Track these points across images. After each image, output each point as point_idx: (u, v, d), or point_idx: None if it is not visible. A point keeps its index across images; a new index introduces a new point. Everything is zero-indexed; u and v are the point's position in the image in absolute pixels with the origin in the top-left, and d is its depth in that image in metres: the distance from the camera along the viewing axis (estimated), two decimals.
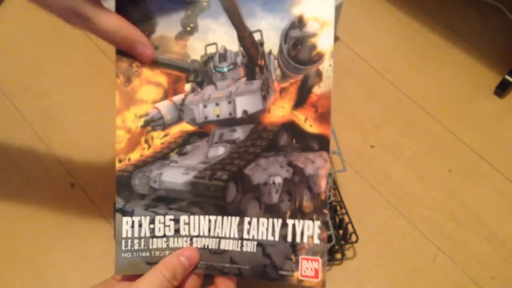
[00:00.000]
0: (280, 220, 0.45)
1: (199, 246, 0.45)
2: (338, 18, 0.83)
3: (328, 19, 0.44)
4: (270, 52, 0.45)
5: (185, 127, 0.46)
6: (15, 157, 0.74)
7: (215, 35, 0.45)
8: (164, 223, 0.45)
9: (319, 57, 0.44)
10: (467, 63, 0.85)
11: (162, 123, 0.46)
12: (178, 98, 0.46)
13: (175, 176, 0.45)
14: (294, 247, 0.44)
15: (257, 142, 0.45)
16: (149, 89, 0.46)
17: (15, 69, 0.82)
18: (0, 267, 0.65)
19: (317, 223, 0.44)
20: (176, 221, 0.45)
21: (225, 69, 0.46)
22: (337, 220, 0.67)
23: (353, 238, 0.64)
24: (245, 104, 0.45)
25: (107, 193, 0.70)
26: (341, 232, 0.66)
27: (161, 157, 0.46)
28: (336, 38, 0.87)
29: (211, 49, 0.45)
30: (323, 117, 0.44)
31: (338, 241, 0.65)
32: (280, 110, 0.45)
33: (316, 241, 0.44)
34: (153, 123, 0.46)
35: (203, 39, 0.45)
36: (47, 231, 0.68)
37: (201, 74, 0.46)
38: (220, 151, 0.46)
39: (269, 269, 0.44)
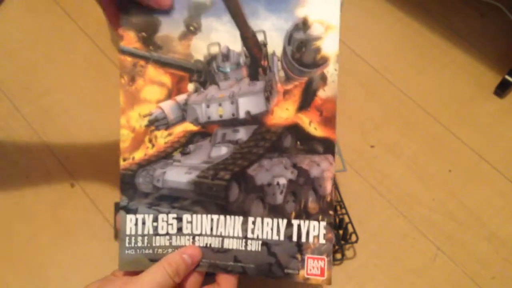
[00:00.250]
0: (285, 220, 0.45)
1: (201, 244, 0.46)
2: None
3: (333, 22, 0.44)
4: (273, 53, 0.45)
5: (188, 126, 0.47)
6: (15, 157, 0.74)
7: (218, 34, 0.45)
8: (167, 221, 0.46)
9: (324, 60, 0.44)
10: (467, 63, 0.85)
11: (166, 123, 0.46)
12: (181, 98, 0.46)
13: (178, 175, 0.46)
14: (300, 247, 0.45)
15: (260, 143, 0.45)
16: (153, 89, 0.46)
17: (15, 69, 0.82)
18: (0, 267, 0.65)
19: (323, 223, 0.45)
20: (179, 219, 0.46)
21: (228, 69, 0.46)
22: (337, 220, 0.67)
23: (353, 238, 0.64)
24: (248, 105, 0.46)
25: (107, 193, 0.70)
26: (341, 232, 0.66)
27: (165, 156, 0.46)
28: None
29: (214, 49, 0.45)
30: (328, 121, 0.44)
31: (338, 241, 0.65)
32: (284, 112, 0.45)
33: (322, 241, 0.45)
34: (157, 122, 0.46)
35: (206, 38, 0.45)
36: (47, 231, 0.68)
37: (204, 74, 0.46)
38: (223, 151, 0.46)
39: (274, 267, 0.45)
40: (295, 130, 0.45)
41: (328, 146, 0.44)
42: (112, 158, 0.75)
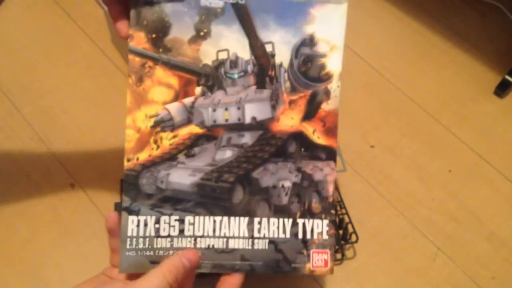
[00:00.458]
0: (290, 220, 0.47)
1: (203, 246, 0.46)
2: None
3: (337, 43, 0.47)
4: (280, 65, 0.47)
5: (194, 129, 0.47)
6: (15, 157, 0.74)
7: (227, 41, 0.46)
8: (169, 223, 0.46)
9: (328, 77, 0.47)
10: (467, 63, 0.85)
11: (172, 124, 0.47)
12: (188, 100, 0.47)
13: (182, 177, 0.46)
14: (305, 243, 0.47)
15: (266, 148, 0.47)
16: (161, 90, 0.46)
17: (15, 69, 0.82)
18: (0, 267, 0.65)
19: (326, 221, 0.48)
20: (181, 221, 0.46)
21: (236, 76, 0.47)
22: (337, 220, 0.67)
23: (353, 238, 0.64)
24: (254, 111, 0.47)
25: (107, 193, 0.70)
26: (341, 232, 0.66)
27: (169, 158, 0.47)
28: None
29: (223, 55, 0.46)
30: (331, 131, 0.48)
31: (338, 241, 0.65)
32: (289, 120, 0.47)
33: (325, 236, 0.48)
34: (163, 124, 0.46)
35: (215, 44, 0.46)
36: (47, 231, 0.68)
37: (212, 78, 0.47)
38: (228, 154, 0.47)
39: (282, 263, 0.47)
40: (299, 137, 0.47)
41: (330, 154, 0.48)
42: (112, 158, 0.75)
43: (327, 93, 0.47)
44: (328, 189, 0.48)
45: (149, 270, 0.43)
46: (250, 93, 0.47)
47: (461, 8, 0.91)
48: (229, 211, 0.46)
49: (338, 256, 0.66)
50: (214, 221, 0.46)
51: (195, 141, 0.47)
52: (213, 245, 0.46)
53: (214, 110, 0.47)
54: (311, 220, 0.47)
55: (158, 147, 0.46)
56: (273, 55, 0.46)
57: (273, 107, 0.47)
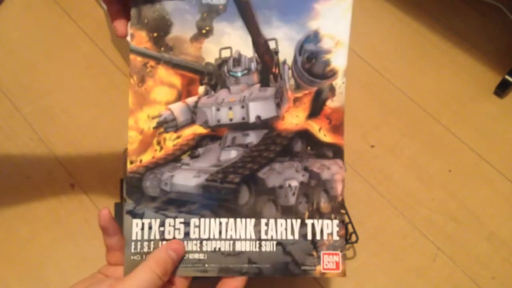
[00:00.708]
0: (299, 221, 0.46)
1: (209, 249, 0.45)
2: None
3: (342, 39, 0.46)
4: (284, 62, 0.46)
5: (197, 129, 0.46)
6: (15, 157, 0.74)
7: (230, 39, 0.45)
8: (174, 226, 0.45)
9: (333, 73, 0.46)
10: (467, 63, 0.85)
11: (175, 125, 0.46)
12: (191, 100, 0.46)
13: (186, 179, 0.45)
14: (315, 244, 0.46)
15: (271, 147, 0.46)
16: (163, 90, 0.46)
17: (15, 69, 0.82)
18: (0, 267, 0.65)
19: (335, 221, 0.47)
20: (186, 224, 0.45)
21: (239, 74, 0.46)
22: None
23: (353, 238, 0.64)
24: (258, 109, 0.46)
25: (107, 193, 0.70)
26: None
27: (173, 159, 0.46)
28: None
29: (226, 53, 0.46)
30: (337, 128, 0.47)
31: None
32: (294, 119, 0.46)
33: (336, 237, 0.47)
34: (166, 124, 0.46)
35: (218, 42, 0.45)
36: (47, 231, 0.68)
37: (215, 77, 0.46)
38: (233, 154, 0.46)
39: (291, 265, 0.45)
40: (305, 135, 0.46)
41: (337, 152, 0.47)
42: (112, 158, 0.75)
43: (332, 90, 0.46)
44: (336, 188, 0.47)
45: None
46: (254, 91, 0.46)
47: (461, 8, 0.91)
48: (235, 213, 0.45)
49: None
50: (220, 223, 0.45)
51: (199, 141, 0.46)
52: (219, 248, 0.45)
53: (218, 110, 0.46)
54: (320, 221, 0.46)
55: (161, 148, 0.46)
56: (276, 52, 0.45)
57: (278, 105, 0.46)
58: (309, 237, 0.46)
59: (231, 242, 0.45)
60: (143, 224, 0.45)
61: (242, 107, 0.46)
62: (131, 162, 0.45)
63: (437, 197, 0.73)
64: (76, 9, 0.89)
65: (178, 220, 0.45)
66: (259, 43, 0.45)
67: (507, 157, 0.76)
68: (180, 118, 0.46)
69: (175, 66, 0.45)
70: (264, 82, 0.46)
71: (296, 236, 0.46)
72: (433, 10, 0.91)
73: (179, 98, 0.46)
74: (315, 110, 0.46)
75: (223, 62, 0.46)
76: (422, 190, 0.73)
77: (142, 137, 0.45)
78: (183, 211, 0.45)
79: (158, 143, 0.46)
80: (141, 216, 0.45)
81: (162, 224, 0.45)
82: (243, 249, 0.45)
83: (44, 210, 0.69)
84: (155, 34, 0.45)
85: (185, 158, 0.46)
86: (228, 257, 0.45)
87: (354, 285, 0.66)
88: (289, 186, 0.46)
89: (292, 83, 0.46)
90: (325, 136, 0.46)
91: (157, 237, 0.45)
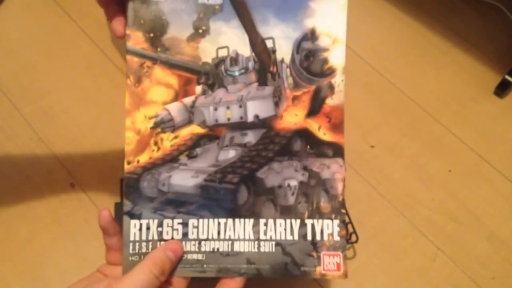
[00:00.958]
0: (298, 221, 0.45)
1: (207, 249, 0.45)
2: None
3: (339, 36, 0.45)
4: (282, 60, 0.45)
5: (195, 129, 0.46)
6: (15, 157, 0.74)
7: (227, 38, 0.45)
8: (172, 226, 0.45)
9: (331, 71, 0.46)
10: (467, 63, 0.85)
11: (172, 125, 0.46)
12: (188, 100, 0.46)
13: (184, 179, 0.45)
14: (315, 245, 0.45)
15: (270, 147, 0.46)
16: (160, 90, 0.45)
17: (15, 69, 0.82)
18: (0, 267, 0.65)
19: (336, 221, 0.46)
20: (185, 224, 0.45)
21: (237, 73, 0.46)
22: None
23: (353, 238, 0.64)
24: (256, 108, 0.46)
25: (107, 193, 0.70)
26: None
27: (171, 159, 0.46)
28: None
29: (223, 52, 0.45)
30: (337, 127, 0.46)
31: None
32: (293, 117, 0.46)
33: (336, 237, 0.46)
34: (163, 124, 0.45)
35: (215, 42, 0.45)
36: (47, 231, 0.68)
37: (212, 76, 0.46)
38: (231, 154, 0.46)
39: (290, 266, 0.45)
40: (304, 134, 0.46)
41: (337, 150, 0.46)
42: (112, 158, 0.75)
43: (331, 88, 0.46)
44: (337, 187, 0.46)
45: None
46: (252, 91, 0.46)
47: (461, 8, 0.91)
48: (234, 213, 0.45)
49: None
50: (219, 224, 0.45)
51: (197, 141, 0.46)
52: (218, 248, 0.45)
53: (215, 109, 0.46)
54: (320, 221, 0.46)
55: (158, 148, 0.45)
56: (274, 51, 0.45)
57: (276, 104, 0.46)
58: (309, 237, 0.45)
59: (230, 242, 0.45)
60: (141, 224, 0.45)
61: (240, 106, 0.46)
62: (129, 163, 0.45)
63: (437, 197, 0.73)
64: (76, 9, 0.89)
65: (176, 221, 0.45)
66: (256, 42, 0.45)
67: (507, 157, 0.76)
68: (177, 118, 0.46)
69: (172, 66, 0.45)
70: (262, 81, 0.46)
71: (296, 237, 0.45)
72: (433, 10, 0.91)
73: (176, 98, 0.46)
74: (314, 109, 0.46)
75: (220, 61, 0.46)
76: (422, 190, 0.73)
77: (139, 137, 0.45)
78: (181, 212, 0.45)
79: (155, 143, 0.45)
80: (139, 217, 0.45)
81: (160, 224, 0.45)
82: (242, 250, 0.45)
83: (44, 210, 0.69)
84: (151, 35, 0.45)
85: (183, 158, 0.46)
86: (226, 258, 0.45)
87: (354, 285, 0.66)
88: (288, 185, 0.45)
89: (291, 81, 0.46)
90: (324, 134, 0.46)
91: (155, 237, 0.45)
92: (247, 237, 0.45)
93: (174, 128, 0.46)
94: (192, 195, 0.45)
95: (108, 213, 0.44)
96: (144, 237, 0.45)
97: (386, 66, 0.84)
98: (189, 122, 0.46)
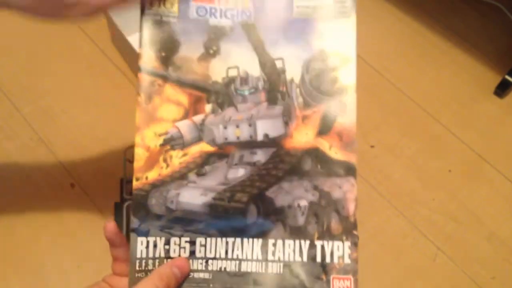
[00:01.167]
0: (307, 242, 0.44)
1: (214, 269, 0.44)
2: None
3: (349, 55, 0.45)
4: (292, 80, 0.45)
5: (204, 147, 0.46)
6: (15, 157, 0.74)
7: (237, 58, 0.46)
8: (179, 244, 0.44)
9: (342, 90, 0.45)
10: (467, 63, 0.85)
11: (182, 143, 0.45)
12: (198, 118, 0.46)
13: (193, 197, 0.45)
14: (324, 267, 0.44)
15: (279, 166, 0.45)
16: (170, 108, 0.45)
17: (15, 69, 0.82)
18: (0, 267, 0.65)
19: (347, 243, 0.44)
20: (192, 243, 0.44)
21: (246, 92, 0.46)
22: None
23: None
24: (266, 127, 0.46)
25: (107, 193, 0.70)
26: None
27: (179, 177, 0.45)
28: None
29: (233, 72, 0.46)
30: (349, 145, 0.45)
31: None
32: (303, 137, 0.45)
33: (347, 260, 0.44)
34: (173, 142, 0.45)
35: (225, 62, 0.46)
36: (47, 231, 0.68)
37: (222, 95, 0.46)
38: (240, 172, 0.45)
39: None
40: (315, 153, 0.45)
41: (349, 169, 0.45)
42: (112, 158, 0.75)
43: (343, 106, 0.45)
44: (348, 208, 0.44)
45: None
46: (261, 110, 0.46)
47: (461, 8, 0.91)
48: (242, 232, 0.44)
49: None
50: (227, 243, 0.44)
51: (206, 159, 0.46)
52: (225, 268, 0.44)
53: (225, 128, 0.46)
54: (330, 242, 0.44)
55: (168, 166, 0.45)
56: (283, 71, 0.45)
57: (286, 123, 0.45)
58: (318, 259, 0.44)
59: (237, 262, 0.44)
60: (147, 242, 0.44)
61: (250, 125, 0.46)
62: (137, 179, 0.45)
63: (437, 197, 0.73)
64: None
65: (183, 239, 0.44)
66: (266, 63, 0.46)
67: (507, 157, 0.76)
68: (187, 136, 0.46)
69: (183, 84, 0.45)
70: (272, 101, 0.46)
71: (305, 258, 0.44)
72: (433, 10, 0.91)
73: (186, 116, 0.46)
74: (325, 128, 0.45)
75: (230, 81, 0.46)
76: (422, 190, 0.73)
77: (149, 154, 0.45)
78: (189, 230, 0.45)
79: (165, 160, 0.45)
80: (146, 234, 0.44)
81: (167, 242, 0.44)
82: (249, 270, 0.44)
83: (44, 210, 0.69)
84: (163, 54, 0.45)
85: (192, 176, 0.45)
86: (233, 278, 0.44)
87: None
88: (298, 205, 0.45)
89: (301, 101, 0.46)
90: (336, 153, 0.45)
91: (162, 255, 0.44)
92: (255, 258, 0.44)
93: (184, 145, 0.46)
94: (200, 214, 0.45)
95: (113, 226, 0.45)
96: (151, 255, 0.44)
97: (386, 66, 0.84)
98: (199, 140, 0.46)
